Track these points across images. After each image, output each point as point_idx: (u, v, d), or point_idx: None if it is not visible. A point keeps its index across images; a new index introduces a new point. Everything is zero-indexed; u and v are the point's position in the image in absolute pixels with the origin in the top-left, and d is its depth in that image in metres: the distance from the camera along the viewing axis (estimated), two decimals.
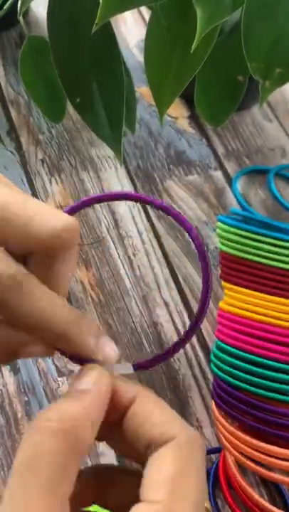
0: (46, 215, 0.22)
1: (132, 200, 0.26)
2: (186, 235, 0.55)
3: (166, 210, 0.25)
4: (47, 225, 0.22)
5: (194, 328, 0.26)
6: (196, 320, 0.26)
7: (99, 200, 0.26)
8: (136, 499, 0.20)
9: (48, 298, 0.23)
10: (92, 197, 0.26)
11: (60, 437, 0.19)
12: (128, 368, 0.25)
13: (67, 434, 0.20)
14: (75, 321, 0.23)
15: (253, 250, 0.47)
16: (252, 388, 0.43)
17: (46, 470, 0.19)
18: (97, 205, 0.55)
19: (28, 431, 0.20)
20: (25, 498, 0.18)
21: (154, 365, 0.26)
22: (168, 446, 0.21)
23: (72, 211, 0.26)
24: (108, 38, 0.47)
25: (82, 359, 0.24)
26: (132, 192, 0.25)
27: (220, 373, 0.45)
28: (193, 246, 0.54)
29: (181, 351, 0.49)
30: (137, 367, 0.26)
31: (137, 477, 0.21)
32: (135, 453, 0.22)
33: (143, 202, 0.26)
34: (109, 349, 0.24)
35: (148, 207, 0.56)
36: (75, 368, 0.46)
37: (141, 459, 0.22)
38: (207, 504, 0.22)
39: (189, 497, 0.20)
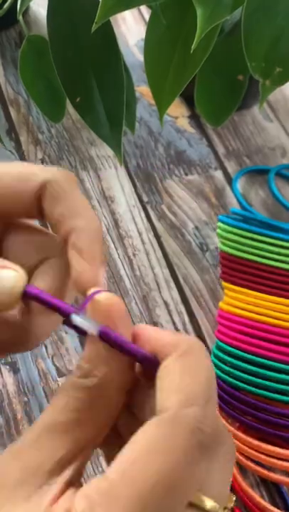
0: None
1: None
2: (187, 234, 0.55)
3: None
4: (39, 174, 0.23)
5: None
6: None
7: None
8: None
9: (88, 202, 0.24)
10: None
11: (81, 388, 0.20)
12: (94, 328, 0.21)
13: (87, 385, 0.20)
14: (101, 231, 0.23)
15: (253, 250, 0.47)
16: (252, 388, 0.43)
17: (74, 430, 0.20)
18: (97, 205, 0.55)
19: (61, 387, 0.21)
20: (36, 430, 0.19)
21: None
22: (150, 421, 0.19)
23: None
24: (108, 37, 0.47)
25: (58, 307, 0.21)
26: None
27: (220, 373, 0.45)
28: (193, 245, 0.54)
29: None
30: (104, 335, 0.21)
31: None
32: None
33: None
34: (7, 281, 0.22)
35: (148, 207, 0.56)
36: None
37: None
38: (230, 502, 0.20)
39: (198, 401, 0.19)
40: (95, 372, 0.20)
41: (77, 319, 0.21)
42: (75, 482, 0.19)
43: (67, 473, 0.19)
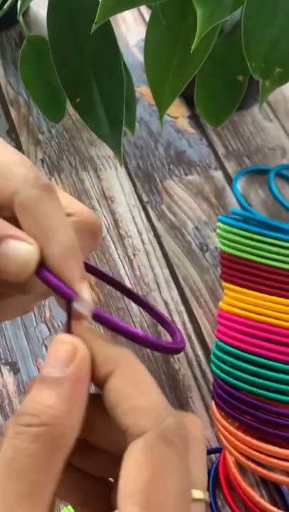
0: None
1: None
2: (187, 234, 0.55)
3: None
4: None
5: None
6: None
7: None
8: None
9: (63, 214, 0.22)
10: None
11: (41, 440, 0.18)
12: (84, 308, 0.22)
13: (49, 435, 0.18)
14: (77, 249, 0.22)
15: (253, 250, 0.47)
16: (252, 388, 0.43)
17: (27, 475, 0.18)
18: (96, 205, 0.55)
19: (8, 435, 0.19)
20: (7, 506, 0.17)
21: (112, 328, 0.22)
22: (139, 443, 0.19)
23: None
24: (108, 37, 0.47)
25: (58, 288, 0.21)
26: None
27: (220, 373, 0.45)
28: (193, 245, 0.54)
29: (182, 352, 0.49)
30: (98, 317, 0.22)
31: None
32: (112, 439, 0.21)
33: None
34: (18, 253, 0.21)
35: (148, 207, 0.56)
36: None
37: (118, 445, 0.20)
38: (205, 495, 0.21)
39: (166, 509, 0.18)
40: (62, 420, 0.19)
41: (77, 304, 0.21)
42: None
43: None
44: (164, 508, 0.18)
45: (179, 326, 0.50)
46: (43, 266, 0.22)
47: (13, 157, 0.22)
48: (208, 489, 0.43)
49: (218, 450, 0.45)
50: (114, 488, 0.22)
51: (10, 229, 0.21)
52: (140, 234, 0.54)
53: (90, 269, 0.25)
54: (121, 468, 0.19)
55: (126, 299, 0.50)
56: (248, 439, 0.42)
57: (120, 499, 0.18)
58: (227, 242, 0.49)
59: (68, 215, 0.24)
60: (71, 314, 0.21)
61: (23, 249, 0.21)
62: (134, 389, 0.20)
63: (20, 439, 0.18)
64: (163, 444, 0.19)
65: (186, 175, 0.59)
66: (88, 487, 0.23)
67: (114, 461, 0.20)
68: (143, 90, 0.62)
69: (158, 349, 0.22)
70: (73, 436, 0.19)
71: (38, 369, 0.46)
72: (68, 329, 0.22)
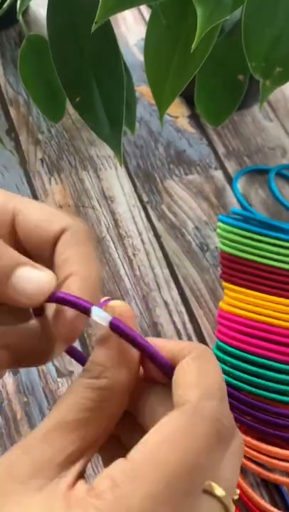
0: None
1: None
2: (187, 234, 0.55)
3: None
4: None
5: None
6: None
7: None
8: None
9: None
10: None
11: (92, 389, 0.21)
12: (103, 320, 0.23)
13: (97, 386, 0.21)
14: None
15: (253, 250, 0.47)
16: (252, 389, 0.43)
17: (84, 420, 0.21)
18: (97, 205, 0.55)
19: (72, 383, 0.22)
20: (48, 425, 0.20)
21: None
22: (189, 358, 0.22)
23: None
24: (108, 36, 0.46)
25: (78, 306, 0.22)
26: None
27: None
28: (193, 245, 0.54)
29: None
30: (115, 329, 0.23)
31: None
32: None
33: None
34: (29, 285, 0.23)
35: (148, 207, 0.56)
36: (75, 368, 0.46)
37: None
38: (225, 497, 0.21)
39: (216, 395, 0.21)
40: (106, 374, 0.21)
41: (96, 312, 0.22)
42: (82, 477, 0.20)
43: (76, 468, 0.20)
44: (212, 397, 0.20)
45: (179, 326, 0.50)
46: (56, 291, 0.22)
47: (53, 212, 0.25)
48: None
49: None
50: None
51: (22, 257, 0.23)
52: (140, 234, 0.54)
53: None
54: (174, 379, 0.21)
55: (126, 299, 0.50)
56: (248, 439, 0.42)
57: (177, 395, 0.21)
58: (227, 242, 0.49)
59: (63, 229, 0.25)
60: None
61: (40, 277, 0.22)
62: (201, 372, 0.22)
63: (76, 383, 0.21)
64: (192, 416, 0.20)
65: (186, 175, 0.59)
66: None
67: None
68: (143, 90, 0.62)
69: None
70: (119, 391, 0.21)
71: (38, 370, 0.46)
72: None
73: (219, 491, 0.20)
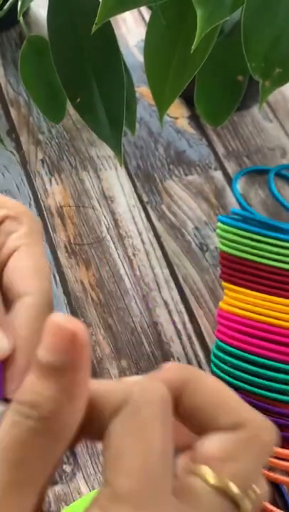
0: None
1: None
2: (187, 234, 0.55)
3: None
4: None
5: None
6: None
7: None
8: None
9: None
10: None
11: (40, 433, 0.18)
12: None
13: (48, 428, 0.18)
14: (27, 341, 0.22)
15: (253, 250, 0.47)
16: (252, 388, 0.43)
17: (23, 466, 0.18)
18: (97, 205, 0.55)
19: (6, 421, 0.18)
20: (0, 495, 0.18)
21: None
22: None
23: None
24: (108, 37, 0.47)
25: None
26: None
27: (220, 373, 0.45)
28: (193, 245, 0.54)
29: (182, 352, 0.49)
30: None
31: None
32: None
33: None
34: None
35: (148, 207, 0.56)
36: None
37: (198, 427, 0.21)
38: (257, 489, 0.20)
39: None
40: (61, 414, 0.18)
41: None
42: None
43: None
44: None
45: (179, 326, 0.50)
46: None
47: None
48: None
49: None
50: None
51: None
52: (140, 234, 0.54)
53: None
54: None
55: (126, 299, 0.50)
56: None
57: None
58: (227, 242, 0.49)
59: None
60: None
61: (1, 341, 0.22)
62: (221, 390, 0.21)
63: (18, 429, 0.18)
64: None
65: (186, 175, 0.59)
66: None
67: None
68: (143, 90, 0.63)
69: None
70: (73, 428, 0.19)
71: None
72: None
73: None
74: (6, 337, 0.22)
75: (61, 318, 0.18)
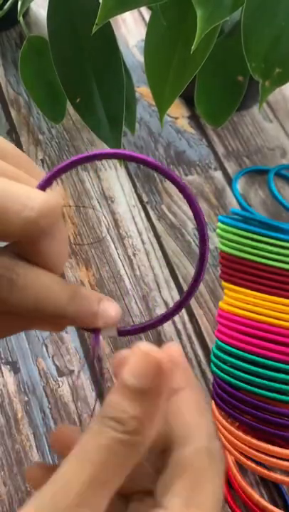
0: (17, 203, 0.21)
1: (130, 160, 0.25)
2: (187, 234, 0.55)
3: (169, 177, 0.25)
4: (19, 215, 0.20)
5: (187, 297, 0.26)
6: (191, 287, 0.25)
7: (87, 158, 0.24)
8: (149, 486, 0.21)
9: (40, 283, 0.22)
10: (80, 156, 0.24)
11: (123, 445, 0.20)
12: (113, 332, 0.25)
13: (130, 443, 0.20)
14: (72, 299, 0.23)
15: (253, 250, 0.47)
16: (252, 388, 0.43)
17: (106, 469, 0.19)
18: (97, 205, 0.55)
19: (93, 429, 0.20)
20: (80, 486, 0.19)
21: (138, 332, 0.26)
22: (188, 449, 0.21)
23: (53, 176, 0.23)
24: (108, 38, 0.47)
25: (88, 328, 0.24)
26: (134, 153, 0.24)
27: (220, 373, 0.45)
28: (193, 245, 0.54)
29: (181, 351, 0.49)
30: (122, 333, 0.26)
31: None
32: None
33: (146, 164, 0.25)
34: (112, 312, 0.25)
35: (148, 207, 0.56)
36: (75, 367, 0.46)
37: (161, 442, 0.22)
38: None
39: (204, 508, 0.20)
40: (142, 431, 0.20)
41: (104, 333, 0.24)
42: None
43: None
44: (202, 508, 0.20)
45: (179, 326, 0.50)
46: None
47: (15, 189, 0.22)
48: None
49: None
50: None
51: (98, 293, 0.25)
52: (140, 234, 0.54)
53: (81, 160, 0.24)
54: (164, 469, 0.21)
55: (126, 299, 0.50)
56: (248, 438, 0.42)
57: (163, 495, 0.21)
58: (227, 242, 0.49)
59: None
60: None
61: (116, 308, 0.25)
62: (195, 409, 0.22)
63: (104, 437, 0.20)
64: (208, 456, 0.21)
65: (186, 175, 0.59)
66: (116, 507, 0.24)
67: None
68: (143, 90, 0.63)
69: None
70: (147, 447, 0.20)
71: (38, 369, 0.46)
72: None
73: None
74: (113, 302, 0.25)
75: (148, 347, 0.21)
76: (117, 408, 0.20)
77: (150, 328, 0.26)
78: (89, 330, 0.24)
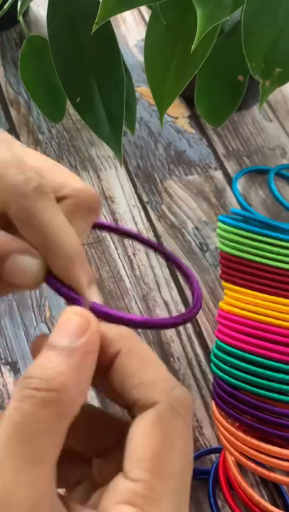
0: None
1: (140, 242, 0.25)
2: (187, 234, 0.55)
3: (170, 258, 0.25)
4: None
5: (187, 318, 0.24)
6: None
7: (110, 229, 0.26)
8: (119, 452, 0.20)
9: (62, 218, 0.22)
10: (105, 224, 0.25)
11: (49, 406, 0.18)
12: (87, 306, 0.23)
13: (58, 401, 0.18)
14: (81, 252, 0.23)
15: (253, 250, 0.47)
16: (252, 388, 0.43)
17: (35, 440, 0.18)
18: None
19: (15, 398, 0.19)
20: (13, 470, 0.18)
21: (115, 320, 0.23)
22: (149, 413, 0.20)
23: None
24: (108, 37, 0.47)
25: (67, 296, 0.22)
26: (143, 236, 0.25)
27: (220, 373, 0.45)
28: (193, 245, 0.54)
29: (182, 352, 0.49)
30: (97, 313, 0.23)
31: (123, 425, 0.22)
32: (122, 402, 0.21)
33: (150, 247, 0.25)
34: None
35: (148, 207, 0.56)
36: None
37: (127, 407, 0.21)
38: None
39: (172, 475, 0.19)
40: (68, 390, 0.19)
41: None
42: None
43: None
44: (170, 474, 0.19)
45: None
46: (50, 274, 0.22)
47: (2, 157, 0.22)
48: (207, 489, 0.43)
49: (218, 450, 0.45)
50: (104, 464, 0.23)
51: (13, 243, 0.22)
52: (140, 234, 0.54)
53: (102, 226, 0.26)
54: (128, 437, 0.20)
55: (126, 299, 0.50)
56: (248, 439, 0.42)
57: (128, 464, 0.19)
58: (227, 242, 0.49)
59: (65, 197, 0.24)
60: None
61: (28, 263, 0.22)
62: (142, 364, 0.21)
63: (28, 403, 0.18)
64: (172, 414, 0.20)
65: (186, 175, 0.59)
66: (77, 468, 0.23)
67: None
68: (143, 90, 0.62)
69: (160, 327, 0.23)
70: (78, 406, 0.19)
71: None
72: None
73: None
74: (31, 256, 0.22)
75: (76, 308, 0.21)
76: (41, 366, 0.19)
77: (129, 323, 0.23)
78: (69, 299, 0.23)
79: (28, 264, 0.22)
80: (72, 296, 0.22)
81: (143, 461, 0.19)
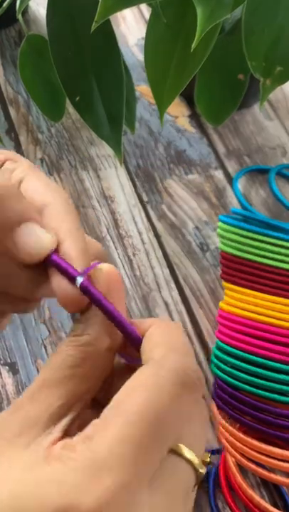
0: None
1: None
2: (187, 234, 0.55)
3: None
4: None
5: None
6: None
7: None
8: None
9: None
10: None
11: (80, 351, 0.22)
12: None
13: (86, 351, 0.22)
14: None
15: (253, 250, 0.47)
16: (252, 389, 0.43)
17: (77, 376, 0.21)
18: (96, 205, 0.55)
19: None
20: (33, 385, 0.21)
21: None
22: (154, 326, 0.23)
23: None
24: (108, 36, 0.46)
25: (66, 272, 0.23)
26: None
27: (220, 374, 0.44)
28: (193, 245, 0.54)
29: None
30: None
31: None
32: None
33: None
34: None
35: (148, 207, 0.56)
36: None
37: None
38: (206, 457, 0.22)
39: (180, 350, 0.21)
40: (88, 331, 0.22)
41: (79, 280, 0.23)
42: (71, 432, 0.20)
43: (63, 423, 0.20)
44: (178, 351, 0.21)
45: None
46: (53, 254, 0.23)
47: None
48: (207, 490, 0.43)
49: (218, 451, 0.45)
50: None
51: (35, 213, 0.24)
52: (140, 234, 0.54)
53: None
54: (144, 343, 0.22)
55: (126, 299, 0.50)
56: (249, 440, 0.42)
57: (145, 352, 0.22)
58: (227, 241, 0.48)
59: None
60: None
61: (43, 236, 0.23)
62: (165, 334, 0.23)
63: (66, 346, 0.22)
64: (155, 367, 0.21)
65: (187, 174, 0.58)
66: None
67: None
68: (143, 89, 0.62)
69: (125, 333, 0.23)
70: (104, 372, 0.22)
71: (38, 369, 0.45)
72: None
73: (188, 453, 0.20)
74: (47, 232, 0.24)
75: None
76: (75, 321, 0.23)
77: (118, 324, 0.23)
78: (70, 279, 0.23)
79: (43, 236, 0.23)
80: (70, 272, 0.23)
81: (154, 347, 0.21)
